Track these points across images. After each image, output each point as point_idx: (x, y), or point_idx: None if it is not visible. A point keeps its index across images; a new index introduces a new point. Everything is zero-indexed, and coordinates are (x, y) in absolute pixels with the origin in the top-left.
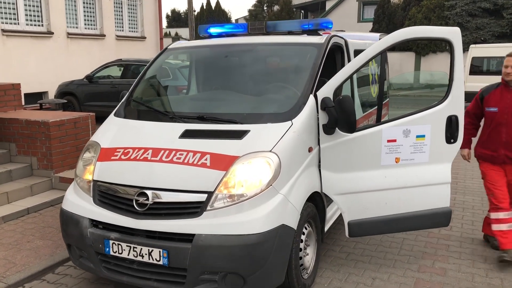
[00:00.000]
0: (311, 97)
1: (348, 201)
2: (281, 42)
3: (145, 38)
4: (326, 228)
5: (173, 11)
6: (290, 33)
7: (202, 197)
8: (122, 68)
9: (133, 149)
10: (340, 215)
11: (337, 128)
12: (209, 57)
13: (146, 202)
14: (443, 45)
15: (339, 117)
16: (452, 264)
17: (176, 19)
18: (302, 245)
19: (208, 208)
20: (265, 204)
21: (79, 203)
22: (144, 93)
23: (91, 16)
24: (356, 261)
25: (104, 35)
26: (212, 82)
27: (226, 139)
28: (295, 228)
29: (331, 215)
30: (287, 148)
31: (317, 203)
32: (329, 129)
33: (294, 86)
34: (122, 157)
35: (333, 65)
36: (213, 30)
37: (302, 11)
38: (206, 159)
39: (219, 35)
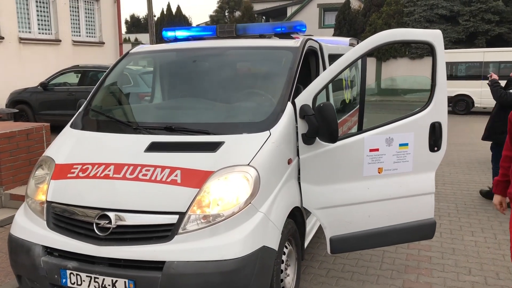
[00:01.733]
0: (289, 104)
1: (330, 215)
2: (254, 46)
3: (103, 43)
4: (305, 244)
5: (132, 17)
6: (261, 36)
7: (173, 219)
8: (79, 75)
9: (93, 165)
10: (319, 228)
11: (317, 138)
12: (176, 62)
13: (108, 225)
14: (403, 51)
15: (320, 126)
16: (437, 278)
17: (135, 24)
18: (283, 266)
19: (180, 231)
20: (243, 224)
21: (31, 227)
22: (104, 102)
23: (45, 20)
24: (338, 278)
25: (60, 40)
26: (180, 89)
27: (198, 152)
28: (277, 249)
29: (310, 229)
30: (266, 161)
31: (296, 218)
32: (309, 139)
33: (270, 93)
34: (80, 174)
35: (307, 70)
36: (179, 33)
37: (264, 17)
38: (176, 175)
39: (186, 39)
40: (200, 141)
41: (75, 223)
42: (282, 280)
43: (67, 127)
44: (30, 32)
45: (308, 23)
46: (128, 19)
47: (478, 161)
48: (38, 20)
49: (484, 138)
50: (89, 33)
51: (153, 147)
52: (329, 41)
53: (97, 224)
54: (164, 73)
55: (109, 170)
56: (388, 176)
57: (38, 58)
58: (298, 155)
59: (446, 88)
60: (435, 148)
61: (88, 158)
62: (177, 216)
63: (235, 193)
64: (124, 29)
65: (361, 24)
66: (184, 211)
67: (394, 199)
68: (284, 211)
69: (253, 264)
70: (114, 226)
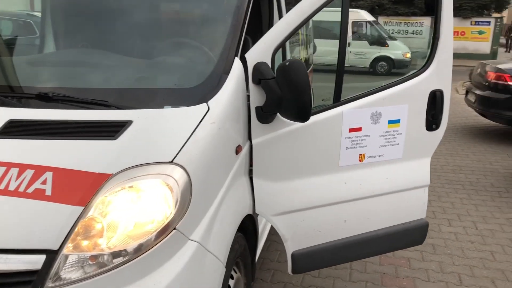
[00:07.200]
0: (237, 61)
1: (293, 223)
2: None
3: None
4: (256, 258)
5: None
6: None
7: (37, 262)
8: None
9: None
10: (273, 229)
11: (278, 114)
12: None
13: None
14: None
15: (285, 96)
16: None
17: None
18: None
19: (49, 284)
20: (164, 265)
21: None
22: None
23: None
24: None
25: None
26: (74, 35)
27: (87, 139)
28: None
29: (260, 233)
30: (202, 155)
31: (246, 228)
32: (266, 115)
33: (209, 44)
34: None
35: (257, 16)
36: None
37: None
38: (44, 182)
39: None
40: (93, 119)
41: None
42: None
43: None
44: None
45: None
46: None
47: None
48: None
49: None
50: None
51: (10, 130)
52: None
53: None
54: (55, 13)
55: None
56: (371, 165)
57: None
58: (250, 138)
59: (452, 44)
60: (433, 126)
61: None
62: (43, 257)
63: (148, 212)
64: None
65: None
66: (56, 248)
67: (378, 196)
68: (231, 230)
69: None
70: None
